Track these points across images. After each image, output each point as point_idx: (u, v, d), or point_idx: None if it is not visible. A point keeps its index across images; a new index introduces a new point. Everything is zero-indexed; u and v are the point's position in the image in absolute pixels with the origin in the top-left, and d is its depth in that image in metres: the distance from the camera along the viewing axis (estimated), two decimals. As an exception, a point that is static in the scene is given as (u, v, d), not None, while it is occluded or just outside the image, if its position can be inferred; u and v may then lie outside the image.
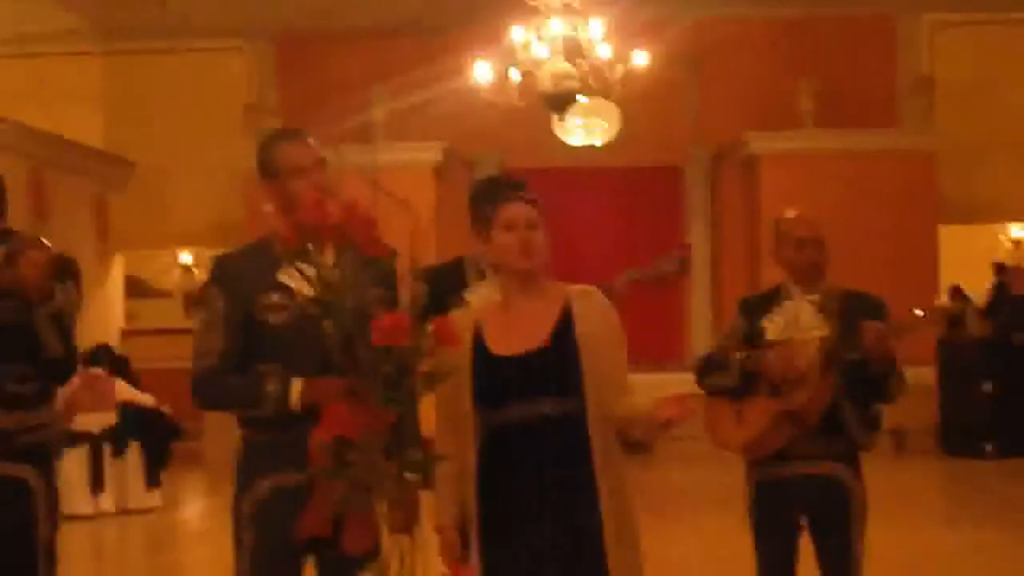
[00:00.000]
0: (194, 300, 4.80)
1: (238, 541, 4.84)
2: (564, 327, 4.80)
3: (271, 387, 4.66)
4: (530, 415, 4.72)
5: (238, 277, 4.79)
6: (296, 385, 4.64)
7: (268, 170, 4.95)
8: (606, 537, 4.72)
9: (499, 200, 4.93)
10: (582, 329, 4.79)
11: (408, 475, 4.32)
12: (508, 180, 6.13)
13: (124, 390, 14.70)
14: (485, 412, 4.77)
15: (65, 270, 5.41)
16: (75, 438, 13.92)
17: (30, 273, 5.16)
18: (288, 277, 4.70)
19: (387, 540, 4.35)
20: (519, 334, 4.79)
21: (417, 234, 4.23)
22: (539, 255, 4.84)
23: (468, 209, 5.87)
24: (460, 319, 4.88)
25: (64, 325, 5.42)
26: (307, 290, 4.57)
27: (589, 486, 4.74)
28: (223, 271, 4.85)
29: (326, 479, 4.36)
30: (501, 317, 4.87)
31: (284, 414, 4.65)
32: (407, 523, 4.40)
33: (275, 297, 4.72)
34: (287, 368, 4.68)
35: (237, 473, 4.87)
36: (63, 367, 5.62)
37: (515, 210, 4.86)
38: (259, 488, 4.77)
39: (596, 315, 4.85)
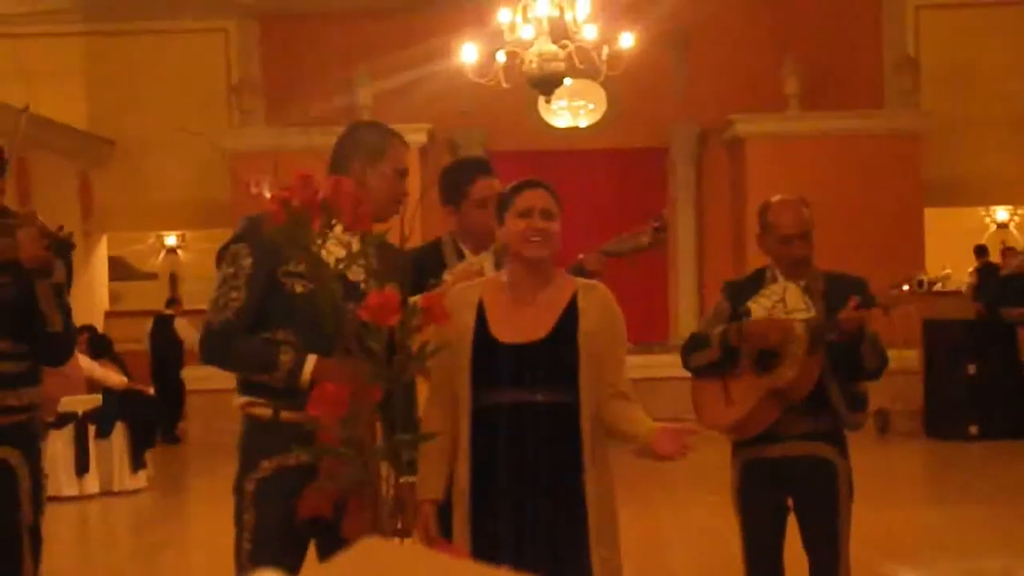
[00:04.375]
0: (217, 256, 4.80)
1: (239, 520, 4.83)
2: (568, 320, 4.79)
3: (285, 358, 4.67)
4: (522, 400, 4.71)
5: (271, 239, 4.75)
6: (311, 361, 4.65)
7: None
8: (591, 533, 4.72)
9: (516, 187, 4.91)
10: (586, 323, 4.79)
11: (405, 478, 4.35)
12: (479, 160, 6.24)
13: (93, 368, 14.63)
14: (479, 394, 4.76)
15: (62, 247, 5.42)
16: (60, 419, 13.90)
17: (31, 246, 5.17)
18: (319, 249, 4.70)
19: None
20: (523, 322, 4.78)
21: (408, 211, 4.22)
22: (552, 245, 4.82)
23: (439, 185, 5.93)
24: (461, 296, 4.87)
25: (63, 300, 5.42)
26: (337, 268, 4.59)
27: (577, 480, 4.74)
28: (255, 231, 4.79)
29: (328, 457, 4.37)
30: (506, 302, 4.85)
31: (292, 386, 4.64)
32: (406, 526, 4.42)
33: (303, 267, 4.71)
34: (302, 338, 4.69)
35: (241, 452, 4.87)
36: (63, 343, 5.60)
37: (532, 198, 4.83)
38: (262, 468, 4.77)
39: (601, 311, 4.84)
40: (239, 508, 4.83)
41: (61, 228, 5.35)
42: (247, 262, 4.78)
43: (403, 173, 4.98)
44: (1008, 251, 19.91)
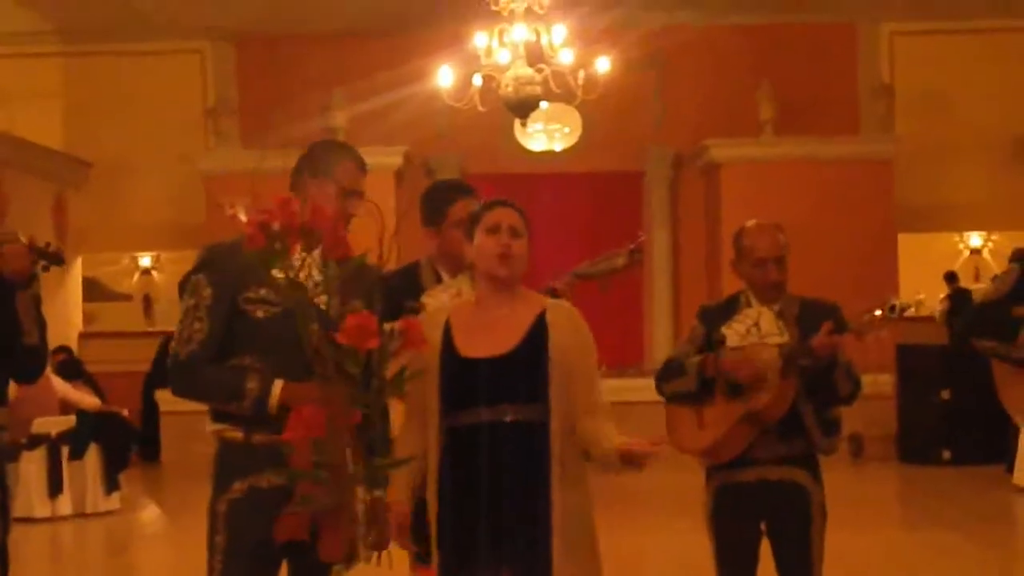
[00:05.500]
0: (179, 287, 4.85)
1: (211, 542, 4.82)
2: (536, 334, 4.81)
3: (252, 384, 4.67)
4: (491, 420, 4.72)
5: (226, 267, 4.80)
6: (277, 386, 4.65)
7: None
8: (554, 552, 4.72)
9: (486, 205, 4.96)
10: (556, 339, 4.80)
11: (377, 492, 4.35)
12: (459, 182, 6.27)
13: (67, 390, 14.59)
14: (448, 413, 4.77)
15: (55, 260, 5.45)
16: (33, 440, 13.85)
17: (16, 261, 5.18)
18: (278, 274, 4.72)
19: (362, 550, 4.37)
20: (490, 337, 4.80)
21: (384, 236, 4.21)
22: (519, 263, 4.85)
23: (420, 206, 5.94)
24: (431, 318, 4.90)
25: (40, 314, 5.42)
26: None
27: (544, 497, 4.74)
28: (213, 260, 4.85)
29: (302, 480, 4.38)
30: (473, 319, 4.87)
31: (260, 413, 4.65)
32: (380, 540, 4.42)
33: (263, 292, 4.72)
34: (268, 362, 4.71)
35: (214, 474, 4.86)
36: (37, 357, 5.58)
37: (500, 215, 4.87)
38: (234, 489, 4.76)
39: (570, 327, 4.86)
40: (211, 530, 4.82)
41: (48, 244, 5.37)
42: (207, 292, 4.78)
43: (350, 193, 4.93)
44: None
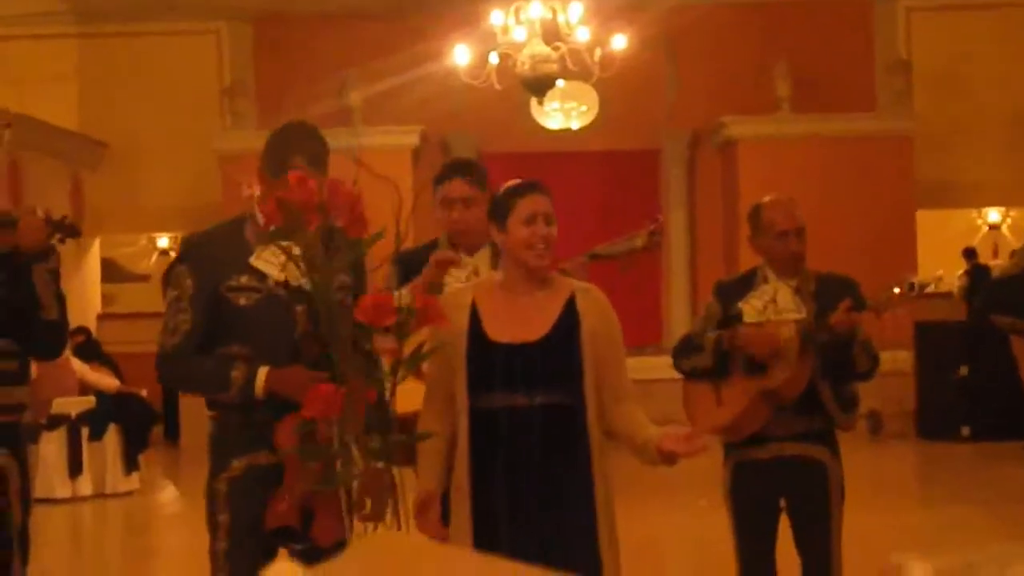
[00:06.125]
0: (163, 279, 4.83)
1: (213, 522, 4.84)
2: (567, 320, 4.78)
3: (236, 373, 4.69)
4: (521, 404, 4.70)
5: (208, 257, 4.83)
6: (262, 373, 4.67)
7: None
8: (600, 537, 4.72)
9: (517, 189, 4.85)
10: (587, 324, 4.77)
11: (376, 463, 4.33)
12: (458, 161, 6.25)
13: (85, 371, 14.64)
14: (475, 395, 4.74)
15: (71, 232, 5.44)
16: (53, 421, 13.90)
17: (33, 233, 5.19)
18: (259, 261, 4.73)
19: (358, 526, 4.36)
20: (519, 323, 4.76)
21: (402, 213, 4.17)
22: (553, 252, 4.82)
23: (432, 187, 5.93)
24: (454, 298, 4.86)
25: (59, 288, 5.41)
26: (277, 274, 4.63)
27: (584, 482, 4.73)
28: (193, 251, 4.91)
29: (303, 460, 4.37)
30: (502, 303, 4.82)
31: (248, 401, 4.67)
32: (377, 511, 4.40)
33: (244, 279, 4.73)
34: (255, 350, 4.72)
35: (211, 454, 4.88)
36: (56, 334, 5.57)
37: (535, 203, 4.79)
38: (233, 468, 4.78)
39: (600, 314, 4.83)
40: (212, 509, 4.84)
41: (65, 217, 5.36)
42: (188, 283, 4.81)
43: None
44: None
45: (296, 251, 4.50)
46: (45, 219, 5.28)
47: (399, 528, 4.30)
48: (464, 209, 5.85)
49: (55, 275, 5.40)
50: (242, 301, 4.75)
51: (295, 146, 4.85)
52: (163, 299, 4.93)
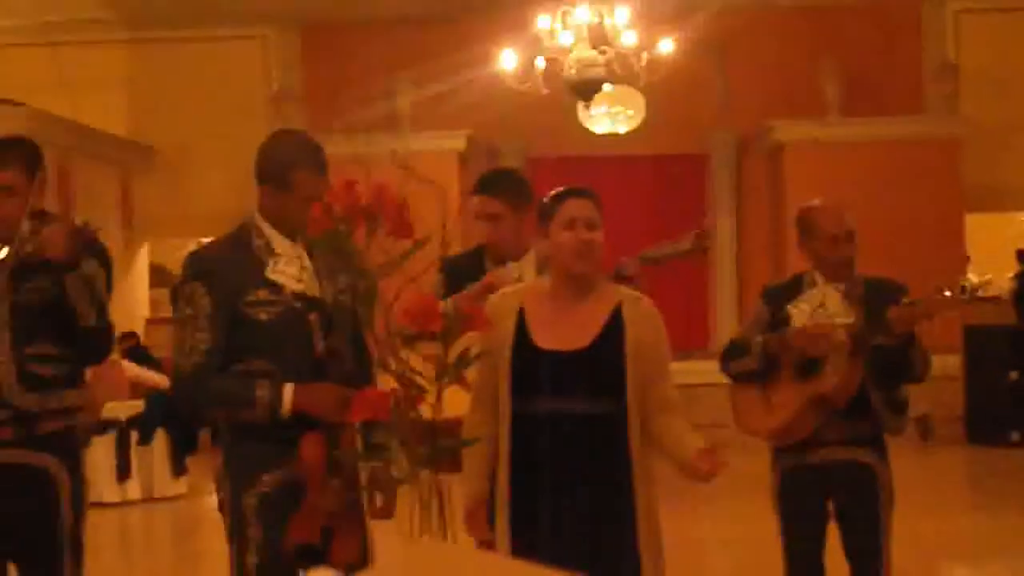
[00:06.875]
0: (172, 296, 4.76)
1: (241, 536, 4.77)
2: (613, 329, 4.76)
3: (262, 392, 4.64)
4: (564, 411, 4.69)
5: (221, 273, 4.75)
6: (288, 391, 4.63)
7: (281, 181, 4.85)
8: (640, 546, 4.71)
9: (560, 195, 4.85)
10: (633, 333, 4.76)
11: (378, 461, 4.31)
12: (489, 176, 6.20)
13: (135, 370, 14.71)
14: (519, 402, 4.74)
15: (90, 247, 5.38)
16: (103, 426, 13.98)
17: (53, 239, 5.13)
18: (275, 273, 4.71)
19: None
20: (566, 330, 4.75)
21: (448, 218, 4.17)
22: (596, 256, 4.79)
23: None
24: (503, 301, 4.86)
25: (96, 294, 5.37)
26: (295, 285, 4.62)
27: (626, 492, 4.72)
28: (204, 267, 4.81)
29: (314, 483, 4.37)
30: (548, 309, 4.82)
31: (274, 418, 4.63)
32: (387, 509, 4.39)
33: (262, 293, 4.70)
34: (278, 365, 4.67)
35: (232, 468, 4.81)
36: (98, 339, 5.53)
37: (576, 207, 4.79)
38: (262, 481, 4.72)
39: (647, 324, 4.81)
40: (239, 525, 4.77)
41: (86, 224, 5.30)
42: (205, 301, 4.73)
43: (313, 200, 4.59)
44: None
45: (307, 262, 4.56)
46: (68, 228, 5.21)
47: (444, 534, 4.30)
48: (491, 225, 5.87)
49: (88, 281, 5.33)
50: (263, 316, 4.71)
51: (298, 155, 4.84)
52: (175, 318, 4.86)
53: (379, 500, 4.37)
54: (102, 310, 5.42)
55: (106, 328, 5.51)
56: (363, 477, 4.35)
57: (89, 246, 5.30)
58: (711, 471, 4.57)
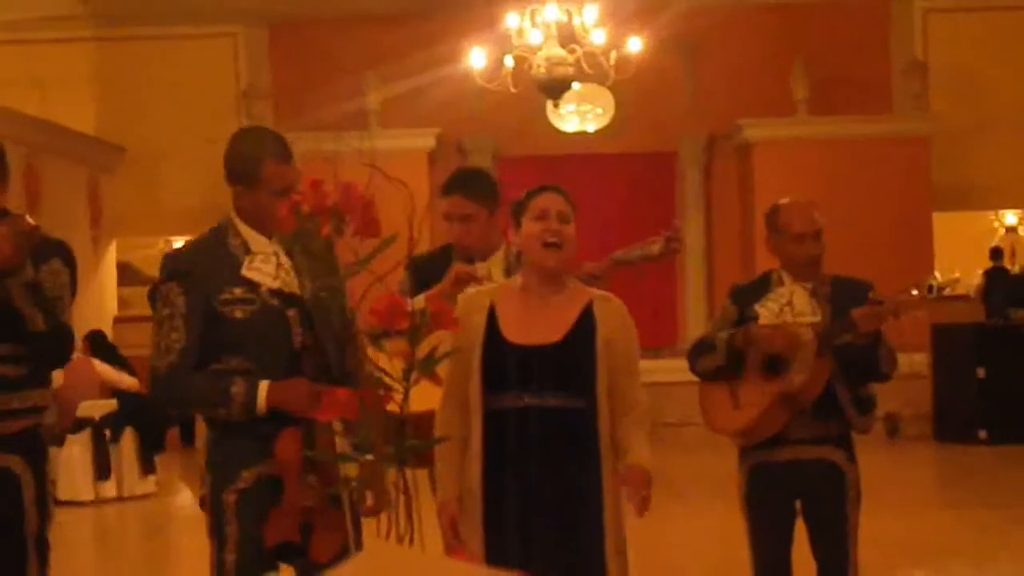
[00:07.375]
0: (150, 296, 4.71)
1: (219, 533, 4.77)
2: (585, 325, 4.80)
3: (236, 389, 4.64)
4: (533, 405, 4.71)
5: (197, 272, 4.74)
6: (263, 388, 4.62)
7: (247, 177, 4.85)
8: (607, 542, 4.74)
9: (532, 191, 4.89)
10: (604, 331, 4.79)
11: (367, 456, 4.30)
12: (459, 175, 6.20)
13: (106, 371, 14.66)
14: (489, 397, 4.75)
15: (49, 250, 5.29)
16: (77, 424, 13.95)
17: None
18: (251, 271, 4.70)
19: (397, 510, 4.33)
20: (535, 325, 4.78)
21: (416, 216, 4.14)
22: (567, 249, 4.82)
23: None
24: (474, 298, 4.88)
25: (45, 299, 5.24)
26: (271, 282, 4.62)
27: (595, 488, 4.75)
28: (180, 267, 4.80)
29: (291, 480, 4.36)
30: (519, 305, 4.85)
31: (249, 416, 4.63)
32: (377, 506, 4.38)
33: (238, 291, 4.70)
34: (254, 362, 4.67)
35: (214, 463, 4.81)
36: (49, 343, 5.40)
37: (547, 201, 4.83)
38: (241, 478, 4.71)
39: (617, 321, 4.85)
40: (219, 521, 4.76)
41: (37, 226, 5.17)
42: (180, 300, 4.73)
43: (284, 192, 4.69)
44: None
45: (284, 259, 4.55)
46: (12, 231, 5.05)
47: (412, 532, 4.29)
48: (462, 225, 5.87)
49: (34, 287, 5.20)
50: (238, 314, 4.69)
51: (261, 150, 4.83)
52: (153, 318, 4.86)
53: (369, 499, 4.36)
54: (51, 313, 5.28)
55: (57, 331, 5.36)
56: (344, 474, 4.34)
57: (39, 250, 5.19)
58: (637, 508, 4.63)
